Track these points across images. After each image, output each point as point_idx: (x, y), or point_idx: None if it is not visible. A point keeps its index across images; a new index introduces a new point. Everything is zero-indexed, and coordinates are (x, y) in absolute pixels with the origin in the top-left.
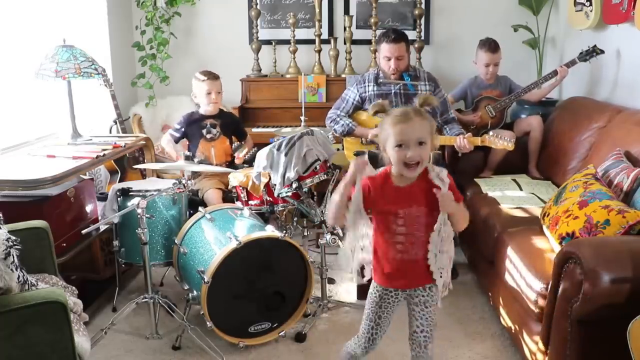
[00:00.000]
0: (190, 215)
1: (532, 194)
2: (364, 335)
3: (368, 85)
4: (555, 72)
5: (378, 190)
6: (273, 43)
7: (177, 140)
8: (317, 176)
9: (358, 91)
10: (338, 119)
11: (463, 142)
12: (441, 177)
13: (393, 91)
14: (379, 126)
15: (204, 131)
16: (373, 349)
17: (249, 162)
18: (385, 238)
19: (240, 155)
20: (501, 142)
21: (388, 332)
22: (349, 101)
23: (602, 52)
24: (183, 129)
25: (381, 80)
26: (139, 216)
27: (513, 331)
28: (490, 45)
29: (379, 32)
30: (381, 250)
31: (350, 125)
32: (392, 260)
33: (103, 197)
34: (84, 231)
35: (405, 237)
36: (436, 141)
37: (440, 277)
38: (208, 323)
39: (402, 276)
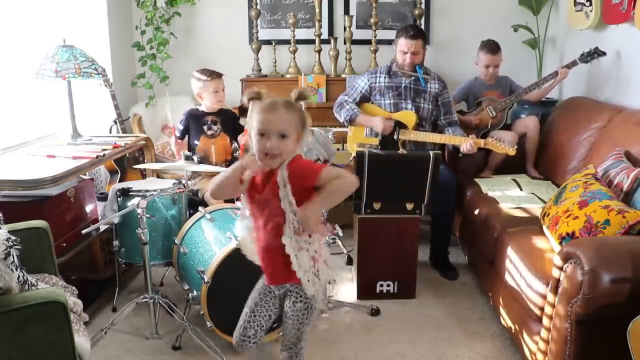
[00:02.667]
0: (190, 215)
1: (532, 194)
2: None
3: (379, 76)
4: (555, 73)
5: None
6: (273, 43)
7: (182, 137)
8: None
9: (369, 80)
10: (345, 104)
11: (469, 146)
12: (284, 176)
13: (403, 84)
14: (248, 113)
15: (205, 127)
16: (245, 342)
17: None
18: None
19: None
20: (503, 146)
21: (388, 332)
22: (358, 89)
23: (604, 53)
24: (185, 125)
25: (394, 71)
26: (139, 216)
27: (513, 331)
28: (491, 47)
29: (379, 32)
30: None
31: (355, 110)
32: (259, 250)
33: (103, 197)
34: (84, 231)
35: (264, 221)
36: (306, 136)
37: (308, 281)
38: (208, 323)
39: (266, 267)
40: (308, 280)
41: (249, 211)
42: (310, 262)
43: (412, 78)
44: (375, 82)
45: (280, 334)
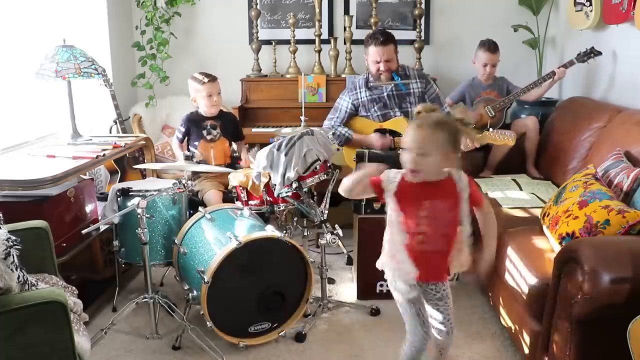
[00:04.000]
0: (190, 215)
1: (532, 194)
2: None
3: (360, 92)
4: (553, 73)
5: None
6: (273, 43)
7: (182, 141)
8: (317, 176)
9: (350, 99)
10: (333, 129)
11: (467, 142)
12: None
13: (385, 94)
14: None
15: (204, 132)
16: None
17: None
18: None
19: (247, 158)
20: (501, 137)
21: (388, 332)
22: (342, 110)
23: (600, 53)
24: (185, 129)
25: (372, 84)
26: (139, 216)
27: (513, 331)
28: (490, 46)
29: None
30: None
31: (346, 134)
32: (417, 252)
33: (103, 197)
34: (84, 231)
35: (434, 229)
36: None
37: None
38: (208, 323)
39: (420, 268)
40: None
41: (402, 216)
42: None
43: (392, 84)
44: (358, 99)
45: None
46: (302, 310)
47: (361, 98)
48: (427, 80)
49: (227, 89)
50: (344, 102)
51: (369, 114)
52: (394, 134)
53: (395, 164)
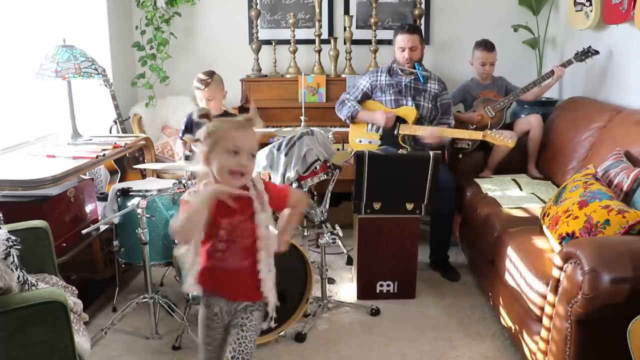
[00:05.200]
0: None
1: (532, 194)
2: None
3: (380, 75)
4: (552, 72)
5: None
6: (273, 43)
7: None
8: (317, 176)
9: (370, 79)
10: (346, 102)
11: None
12: (257, 184)
13: (404, 82)
14: (197, 133)
15: None
16: None
17: None
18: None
19: None
20: (501, 138)
21: (388, 332)
22: (360, 88)
23: (597, 52)
24: (189, 127)
25: (394, 69)
26: (139, 216)
27: (513, 331)
28: (487, 45)
29: (379, 32)
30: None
31: (356, 107)
32: (217, 270)
33: (103, 197)
34: (84, 231)
35: (227, 244)
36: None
37: (272, 298)
38: None
39: (222, 286)
40: (272, 298)
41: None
42: (274, 281)
43: (412, 77)
44: (377, 81)
45: (232, 349)
46: (302, 310)
47: (380, 81)
48: (444, 87)
49: (227, 89)
50: (363, 82)
51: (383, 96)
52: (401, 121)
53: (395, 164)
